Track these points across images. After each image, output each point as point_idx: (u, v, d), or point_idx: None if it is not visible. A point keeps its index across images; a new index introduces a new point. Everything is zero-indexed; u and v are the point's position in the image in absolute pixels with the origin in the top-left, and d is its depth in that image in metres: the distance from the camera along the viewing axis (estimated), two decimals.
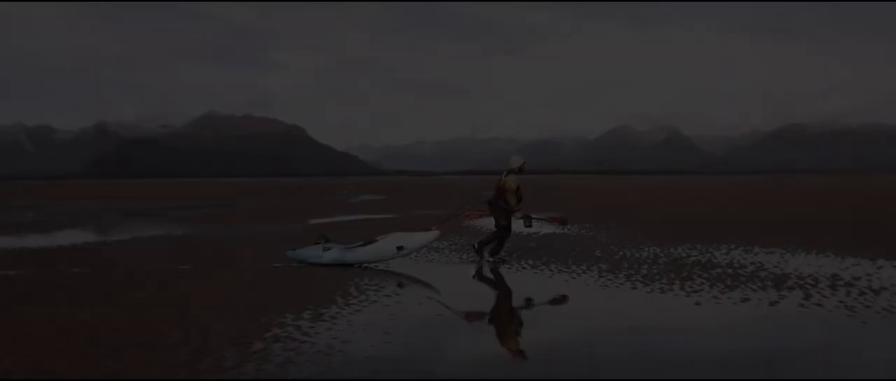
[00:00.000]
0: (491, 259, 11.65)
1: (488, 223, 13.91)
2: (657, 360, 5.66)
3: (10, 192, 71.76)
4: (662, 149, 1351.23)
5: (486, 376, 5.31)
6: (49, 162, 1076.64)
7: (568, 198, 40.01)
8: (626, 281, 9.46)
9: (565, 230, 17.35)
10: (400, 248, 11.01)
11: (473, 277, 10.38)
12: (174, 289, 8.90)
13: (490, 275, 10.49)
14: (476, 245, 11.78)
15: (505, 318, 7.46)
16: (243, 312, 7.47)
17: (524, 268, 10.93)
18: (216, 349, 5.93)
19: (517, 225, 11.80)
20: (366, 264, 10.96)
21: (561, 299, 8.43)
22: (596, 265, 10.98)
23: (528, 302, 8.54)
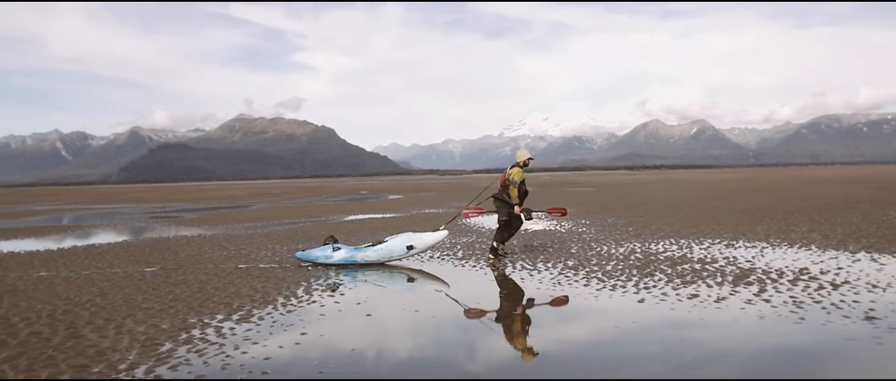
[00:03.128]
0: (497, 248, 11.62)
1: (490, 221, 13.90)
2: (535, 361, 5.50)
3: (38, 197, 73.13)
4: (693, 142, 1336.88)
5: (378, 376, 5.18)
6: (84, 168, 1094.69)
7: (582, 194, 39.67)
8: (582, 278, 9.25)
9: (562, 222, 17.32)
10: (409, 247, 11.11)
11: (494, 275, 10.05)
12: (124, 291, 8.88)
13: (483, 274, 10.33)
14: (491, 253, 11.63)
15: (405, 317, 7.27)
16: (176, 313, 7.44)
17: (483, 266, 10.76)
18: (122, 351, 5.89)
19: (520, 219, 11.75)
20: (375, 263, 11.03)
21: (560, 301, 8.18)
22: (563, 262, 10.78)
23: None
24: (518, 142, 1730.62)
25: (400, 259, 11.19)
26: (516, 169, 11.43)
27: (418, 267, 10.86)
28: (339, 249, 11.14)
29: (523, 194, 11.55)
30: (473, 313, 7.40)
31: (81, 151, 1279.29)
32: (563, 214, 12.98)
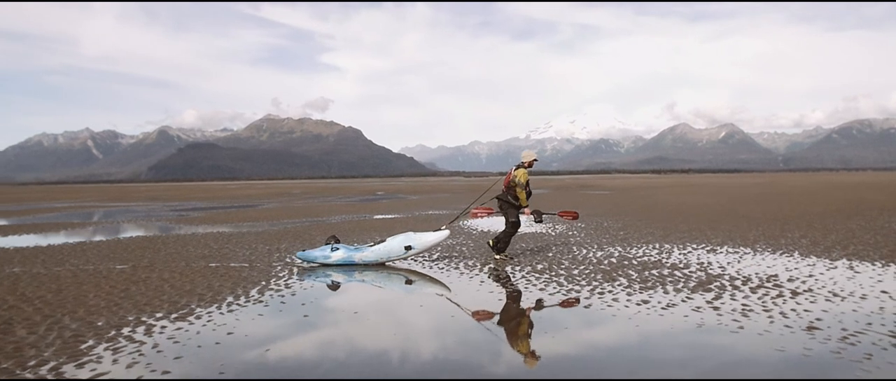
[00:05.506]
0: (497, 256, 11.46)
1: (497, 222, 13.80)
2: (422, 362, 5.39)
3: (60, 194, 74.18)
4: (721, 146, 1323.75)
5: (278, 375, 5.11)
6: (114, 166, 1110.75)
7: (595, 197, 39.36)
8: (542, 282, 9.09)
9: (556, 226, 17.19)
10: (408, 248, 11.00)
11: (485, 276, 9.84)
12: (81, 288, 8.92)
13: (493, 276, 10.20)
14: (490, 243, 11.53)
15: (321, 319, 7.17)
16: (118, 310, 7.45)
17: (457, 267, 10.63)
18: (41, 347, 5.91)
19: (525, 220, 11.59)
20: (374, 264, 10.96)
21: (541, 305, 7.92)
22: (532, 265, 10.63)
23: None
24: (545, 144, 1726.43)
25: (398, 260, 11.08)
26: (522, 171, 11.25)
27: (410, 268, 10.78)
28: (338, 249, 11.07)
29: (528, 195, 11.39)
30: (480, 316, 7.34)
31: (111, 150, 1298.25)
32: (575, 217, 12.78)
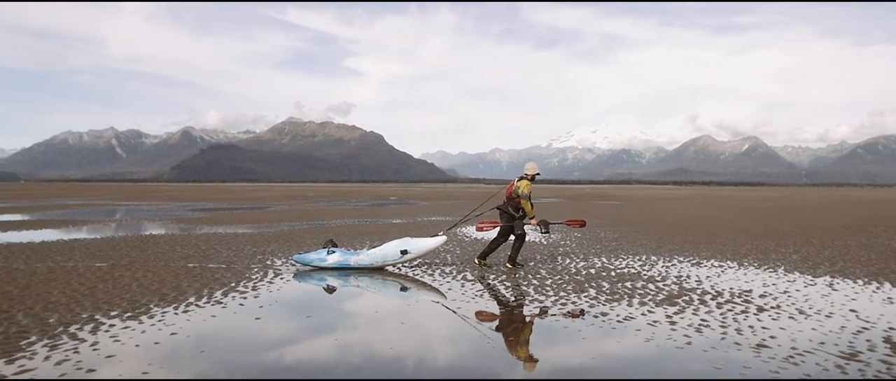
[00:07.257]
0: (477, 261, 11.43)
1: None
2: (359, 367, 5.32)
3: (78, 192, 75.01)
4: (744, 159, 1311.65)
5: (216, 376, 5.09)
6: (137, 165, 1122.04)
7: (605, 207, 39.15)
8: (509, 291, 9.06)
9: (549, 236, 17.06)
10: (404, 252, 10.97)
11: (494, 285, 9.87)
12: (50, 284, 9.01)
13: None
14: (509, 265, 11.41)
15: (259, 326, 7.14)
16: (75, 307, 7.52)
17: (431, 274, 10.57)
18: None
19: (530, 231, 11.46)
20: (369, 268, 10.92)
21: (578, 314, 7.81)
22: (506, 273, 10.58)
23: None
24: (566, 153, 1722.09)
25: (394, 264, 11.03)
26: (525, 182, 11.18)
27: (398, 273, 10.74)
28: (334, 252, 11.09)
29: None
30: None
31: (135, 149, 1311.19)
32: (582, 225, 12.62)
